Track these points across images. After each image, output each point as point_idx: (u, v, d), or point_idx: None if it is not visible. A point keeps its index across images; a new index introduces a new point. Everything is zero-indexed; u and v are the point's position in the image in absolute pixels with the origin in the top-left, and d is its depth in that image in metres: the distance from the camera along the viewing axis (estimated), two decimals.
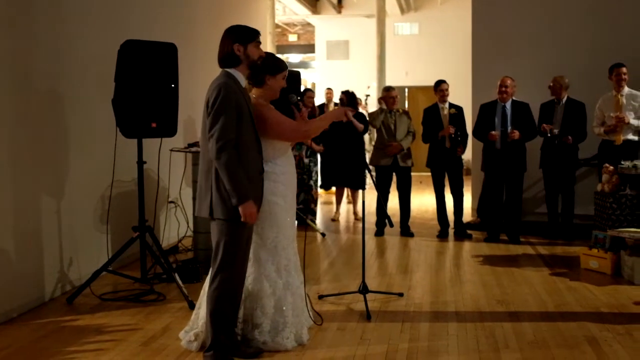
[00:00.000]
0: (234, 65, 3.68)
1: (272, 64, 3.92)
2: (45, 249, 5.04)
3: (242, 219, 3.55)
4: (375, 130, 7.89)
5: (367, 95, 13.63)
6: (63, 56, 5.24)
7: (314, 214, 8.37)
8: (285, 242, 4.01)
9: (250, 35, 3.72)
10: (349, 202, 9.78)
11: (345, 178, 8.56)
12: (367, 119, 8.11)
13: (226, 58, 3.69)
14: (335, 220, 8.84)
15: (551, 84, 7.26)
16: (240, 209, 3.53)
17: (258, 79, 3.93)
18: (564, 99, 7.22)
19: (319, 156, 8.68)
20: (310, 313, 4.25)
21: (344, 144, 8.29)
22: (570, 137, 7.02)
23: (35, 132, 4.89)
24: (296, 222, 8.10)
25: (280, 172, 3.96)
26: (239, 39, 3.67)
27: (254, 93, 3.98)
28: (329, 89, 11.15)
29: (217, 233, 3.66)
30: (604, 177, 6.51)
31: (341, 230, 8.23)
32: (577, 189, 7.37)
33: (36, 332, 4.33)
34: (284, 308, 3.95)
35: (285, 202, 3.99)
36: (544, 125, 7.15)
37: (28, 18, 4.81)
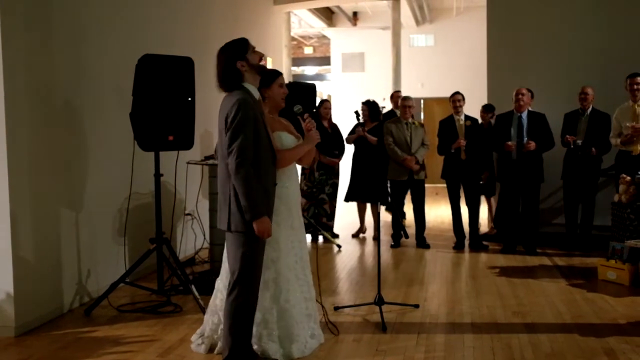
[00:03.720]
0: (241, 81, 3.67)
1: (262, 77, 3.87)
2: (63, 260, 5.10)
3: (256, 234, 3.57)
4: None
5: (383, 107, 13.62)
6: (82, 70, 5.32)
7: (326, 228, 8.06)
8: (275, 256, 3.97)
9: (243, 46, 3.70)
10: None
11: (365, 192, 8.22)
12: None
13: (232, 78, 3.65)
14: (355, 236, 8.45)
15: (584, 94, 7.16)
16: (254, 224, 3.55)
17: None
18: (589, 110, 7.19)
19: (339, 169, 8.34)
20: (317, 325, 4.24)
21: (368, 158, 8.15)
22: (594, 149, 6.99)
23: (53, 145, 4.96)
24: (306, 236, 7.95)
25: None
26: (238, 55, 3.65)
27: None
28: (397, 91, 10.30)
29: (235, 245, 3.67)
30: (621, 187, 6.46)
31: (357, 242, 8.23)
32: (595, 200, 7.31)
33: (55, 343, 4.38)
34: (269, 321, 3.92)
35: (277, 215, 3.92)
36: (568, 136, 7.12)
37: (46, 31, 4.91)
